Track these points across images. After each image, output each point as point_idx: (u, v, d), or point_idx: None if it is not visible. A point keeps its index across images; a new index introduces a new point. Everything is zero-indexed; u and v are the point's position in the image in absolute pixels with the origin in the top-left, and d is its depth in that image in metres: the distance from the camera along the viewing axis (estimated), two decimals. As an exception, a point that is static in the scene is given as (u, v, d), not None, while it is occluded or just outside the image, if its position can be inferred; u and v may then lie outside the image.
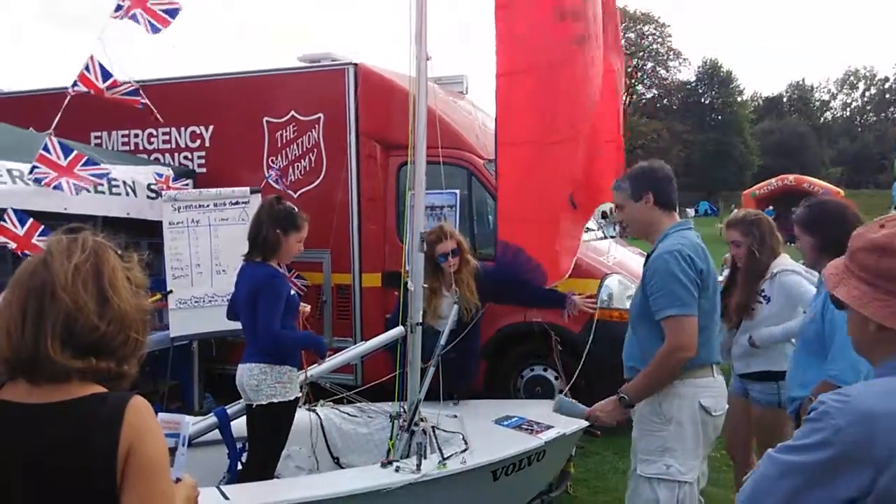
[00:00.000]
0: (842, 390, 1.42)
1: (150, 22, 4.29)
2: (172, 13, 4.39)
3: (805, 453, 1.39)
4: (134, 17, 4.28)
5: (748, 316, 4.09)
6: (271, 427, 4.00)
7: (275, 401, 3.92)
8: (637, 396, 3.08)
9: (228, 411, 4.19)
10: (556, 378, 6.03)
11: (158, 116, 4.96)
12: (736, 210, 4.45)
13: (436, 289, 4.70)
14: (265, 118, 6.99)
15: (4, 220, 4.40)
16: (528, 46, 4.29)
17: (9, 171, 5.08)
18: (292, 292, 4.11)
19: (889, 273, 1.42)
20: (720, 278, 10.74)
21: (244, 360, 4.04)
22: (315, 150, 6.84)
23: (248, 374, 3.97)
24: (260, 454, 4.05)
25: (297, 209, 4.15)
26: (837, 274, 1.52)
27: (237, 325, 6.20)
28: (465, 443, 4.03)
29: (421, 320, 4.14)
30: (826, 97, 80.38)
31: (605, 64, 4.52)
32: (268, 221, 4.03)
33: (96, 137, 7.45)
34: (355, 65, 6.72)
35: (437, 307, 4.70)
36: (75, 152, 4.67)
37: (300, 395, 4.13)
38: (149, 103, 4.71)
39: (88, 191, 4.76)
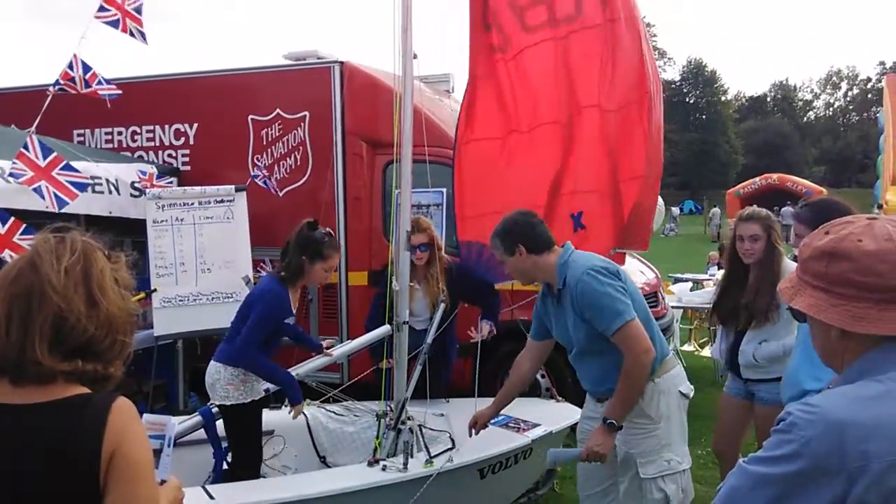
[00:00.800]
0: (809, 400, 1.40)
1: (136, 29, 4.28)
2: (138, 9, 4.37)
3: (775, 465, 1.38)
4: (131, 33, 4.25)
5: (766, 321, 3.85)
6: (231, 428, 4.02)
7: (227, 403, 3.93)
8: (622, 417, 3.15)
9: (213, 410, 4.17)
10: (543, 376, 6.04)
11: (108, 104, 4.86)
12: (753, 207, 4.28)
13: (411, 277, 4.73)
14: (250, 116, 6.96)
15: (-14, 219, 4.35)
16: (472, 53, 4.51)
17: (-10, 168, 5.03)
18: (288, 320, 4.07)
19: (839, 277, 1.43)
20: (707, 276, 10.64)
21: (213, 357, 4.10)
22: (300, 148, 6.82)
23: (209, 372, 4.03)
24: (236, 454, 4.06)
25: (329, 238, 4.06)
26: (792, 286, 1.53)
27: (222, 324, 6.20)
28: (452, 441, 4.03)
29: (407, 318, 4.14)
30: (809, 97, 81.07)
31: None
32: (294, 246, 4.00)
33: (79, 135, 7.39)
34: (341, 63, 6.70)
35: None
36: (55, 154, 4.61)
37: (259, 396, 4.09)
38: (102, 95, 4.64)
39: (66, 202, 4.66)
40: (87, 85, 4.52)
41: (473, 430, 3.75)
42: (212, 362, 4.03)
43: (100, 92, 4.53)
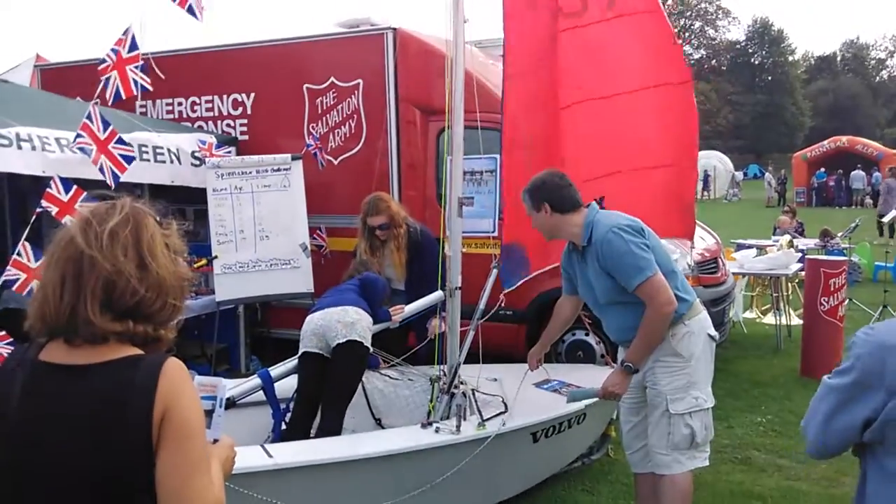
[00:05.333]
0: (872, 325, 1.66)
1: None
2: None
3: (838, 377, 1.70)
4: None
5: None
6: (354, 366, 4.22)
7: (364, 343, 4.17)
8: (640, 361, 3.42)
9: (272, 373, 4.28)
10: (598, 343, 6.01)
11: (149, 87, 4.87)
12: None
13: (376, 249, 5.18)
14: (305, 85, 7.01)
15: (51, 188, 4.50)
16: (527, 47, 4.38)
17: (57, 139, 5.20)
18: None
19: None
20: (771, 242, 10.33)
21: (327, 306, 4.29)
22: (355, 116, 6.85)
23: (340, 313, 4.21)
24: (339, 395, 4.18)
25: None
26: None
27: (281, 290, 6.35)
28: (505, 405, 4.06)
29: (459, 285, 4.17)
30: (882, 55, 77.24)
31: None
32: None
33: (141, 106, 7.55)
34: (394, 29, 6.67)
35: (380, 266, 5.13)
36: (112, 128, 4.71)
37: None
38: (143, 82, 4.67)
39: (119, 177, 4.78)
40: (126, 64, 4.55)
41: (532, 368, 4.18)
42: (344, 307, 4.26)
43: (131, 77, 4.58)
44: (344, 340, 4.11)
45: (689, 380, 3.40)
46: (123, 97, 4.65)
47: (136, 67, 4.57)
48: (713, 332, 3.53)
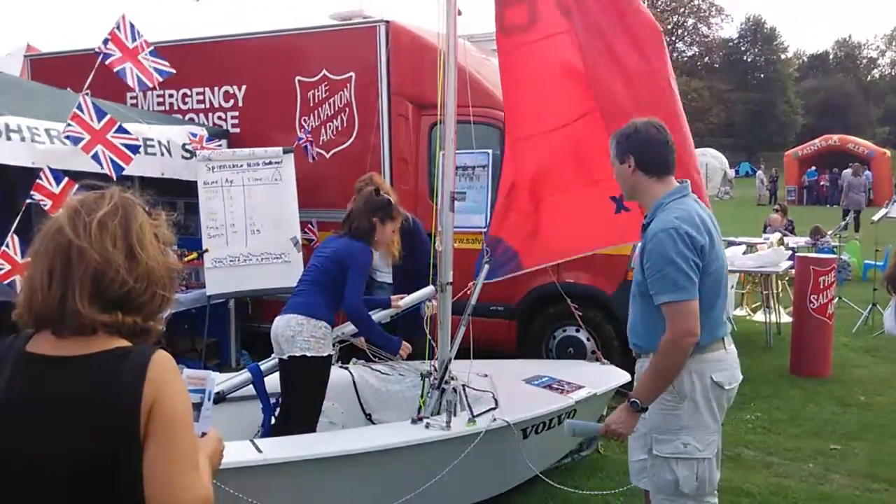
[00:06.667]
0: None
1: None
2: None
3: None
4: None
5: None
6: (304, 381, 4.07)
7: (308, 354, 3.99)
8: (649, 398, 2.92)
9: (262, 367, 4.26)
10: (588, 339, 6.02)
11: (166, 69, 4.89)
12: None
13: None
14: (297, 77, 6.98)
15: (41, 179, 4.46)
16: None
17: (47, 130, 5.16)
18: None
19: None
20: (761, 240, 10.36)
21: (283, 312, 4.15)
22: (347, 109, 6.82)
23: (284, 325, 4.06)
24: (295, 409, 4.11)
25: (392, 202, 4.40)
26: None
27: (272, 285, 6.32)
28: (495, 401, 4.06)
29: (451, 280, 4.16)
30: (874, 54, 77.40)
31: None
32: (363, 210, 4.26)
33: (132, 98, 7.51)
34: (387, 22, 6.64)
35: None
36: (109, 116, 4.66)
37: (333, 352, 4.19)
38: (162, 66, 4.67)
39: (122, 167, 4.74)
40: (135, 54, 4.55)
41: None
42: (289, 315, 4.08)
43: (148, 66, 4.57)
44: (286, 357, 4.04)
45: (680, 423, 2.94)
46: (150, 86, 4.66)
47: (149, 54, 4.58)
48: (721, 378, 2.97)
